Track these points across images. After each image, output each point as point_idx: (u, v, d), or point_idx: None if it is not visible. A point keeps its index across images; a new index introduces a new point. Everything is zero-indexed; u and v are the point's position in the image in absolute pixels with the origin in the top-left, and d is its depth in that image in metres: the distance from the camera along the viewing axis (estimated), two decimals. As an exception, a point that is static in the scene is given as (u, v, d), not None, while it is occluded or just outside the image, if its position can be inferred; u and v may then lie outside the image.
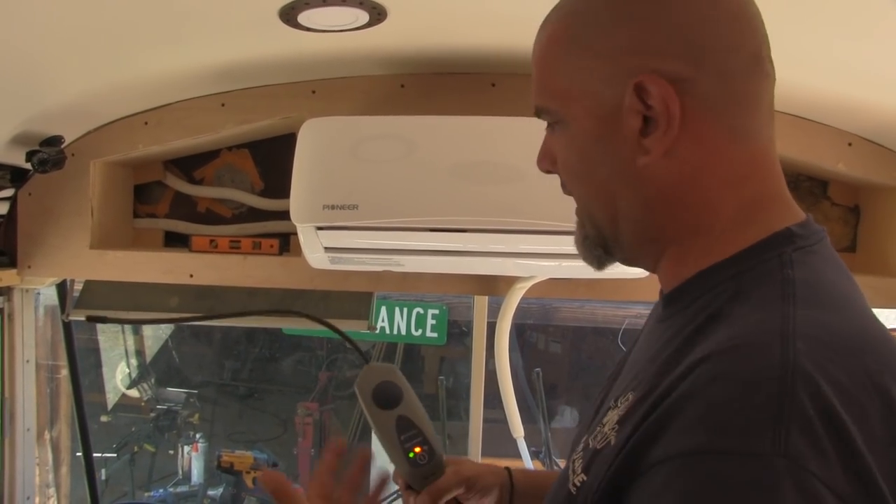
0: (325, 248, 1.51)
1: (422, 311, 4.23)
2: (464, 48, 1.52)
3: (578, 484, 0.71)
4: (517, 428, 1.81)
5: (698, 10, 0.68)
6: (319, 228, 1.46)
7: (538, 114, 0.80)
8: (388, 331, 4.26)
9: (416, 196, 1.44)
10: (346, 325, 1.87)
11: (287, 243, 1.84)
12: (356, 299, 1.86)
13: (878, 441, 0.55)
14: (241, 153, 1.91)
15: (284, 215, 1.87)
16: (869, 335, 0.65)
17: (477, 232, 1.46)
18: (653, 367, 0.69)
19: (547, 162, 0.83)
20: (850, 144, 1.73)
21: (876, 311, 0.73)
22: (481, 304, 2.00)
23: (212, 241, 1.76)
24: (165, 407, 5.77)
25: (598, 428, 0.72)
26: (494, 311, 2.09)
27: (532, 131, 1.52)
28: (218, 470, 2.23)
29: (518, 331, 6.59)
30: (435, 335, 4.30)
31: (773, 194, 0.73)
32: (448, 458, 1.12)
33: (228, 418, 7.08)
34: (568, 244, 1.54)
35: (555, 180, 0.86)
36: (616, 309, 4.81)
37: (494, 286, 1.74)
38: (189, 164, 1.92)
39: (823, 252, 0.72)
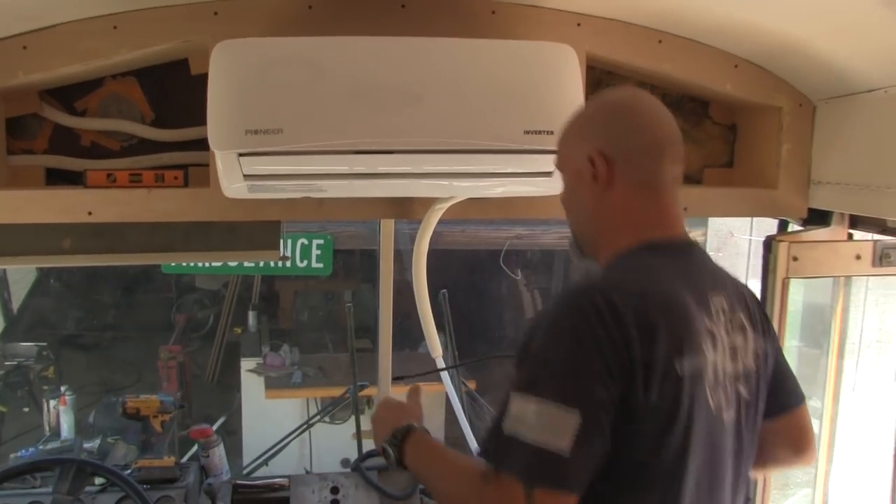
0: (246, 175, 1.46)
1: (306, 241, 4.11)
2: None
3: None
4: (435, 347, 1.85)
5: (625, 126, 1.26)
6: (242, 155, 1.41)
7: (558, 168, 1.37)
8: (272, 263, 4.12)
9: (341, 118, 1.42)
10: (257, 257, 1.84)
11: (187, 175, 1.76)
12: (264, 229, 1.82)
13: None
14: (127, 81, 1.79)
15: (181, 146, 1.80)
16: (636, 286, 1.16)
17: (403, 153, 1.47)
18: None
19: (562, 202, 1.38)
20: (735, 66, 1.85)
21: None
22: (388, 229, 2.01)
23: (109, 175, 1.66)
24: (15, 363, 5.38)
25: None
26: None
27: (447, 51, 1.54)
28: (123, 417, 2.11)
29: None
30: (321, 265, 4.20)
31: (654, 221, 1.25)
32: None
33: (79, 370, 6.74)
34: (483, 163, 1.58)
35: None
36: (498, 231, 4.92)
37: (410, 209, 1.75)
38: (69, 95, 1.77)
39: (671, 258, 1.23)
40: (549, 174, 1.58)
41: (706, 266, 1.29)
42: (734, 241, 4.88)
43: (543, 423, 1.03)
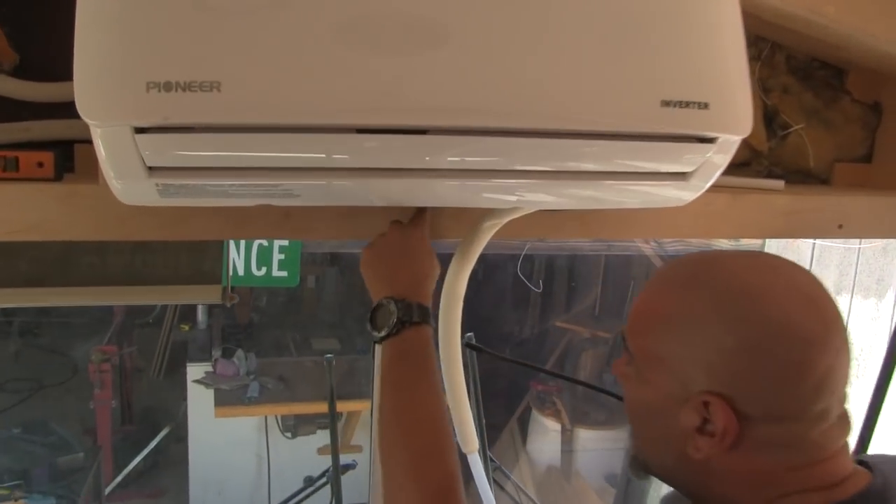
0: (152, 168, 0.78)
1: (265, 243, 3.26)
2: None
3: None
4: (469, 440, 1.16)
5: (787, 372, 0.74)
6: (141, 131, 0.73)
7: (624, 342, 0.87)
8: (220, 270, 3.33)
9: (331, 69, 0.75)
10: (185, 296, 1.16)
11: (70, 159, 1.08)
12: (194, 251, 1.14)
13: None
14: (-28, 1, 1.10)
15: (63, 110, 1.10)
16: None
17: (445, 134, 0.80)
18: None
19: (620, 377, 0.89)
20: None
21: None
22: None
23: (-81, 157, 0.96)
24: None
25: None
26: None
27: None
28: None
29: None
30: (284, 274, 3.38)
31: (800, 488, 0.77)
32: None
33: (2, 363, 5.96)
34: (578, 155, 0.90)
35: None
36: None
37: (438, 226, 1.08)
38: None
39: None
40: (684, 176, 0.93)
41: None
42: (795, 247, 4.27)
43: None
